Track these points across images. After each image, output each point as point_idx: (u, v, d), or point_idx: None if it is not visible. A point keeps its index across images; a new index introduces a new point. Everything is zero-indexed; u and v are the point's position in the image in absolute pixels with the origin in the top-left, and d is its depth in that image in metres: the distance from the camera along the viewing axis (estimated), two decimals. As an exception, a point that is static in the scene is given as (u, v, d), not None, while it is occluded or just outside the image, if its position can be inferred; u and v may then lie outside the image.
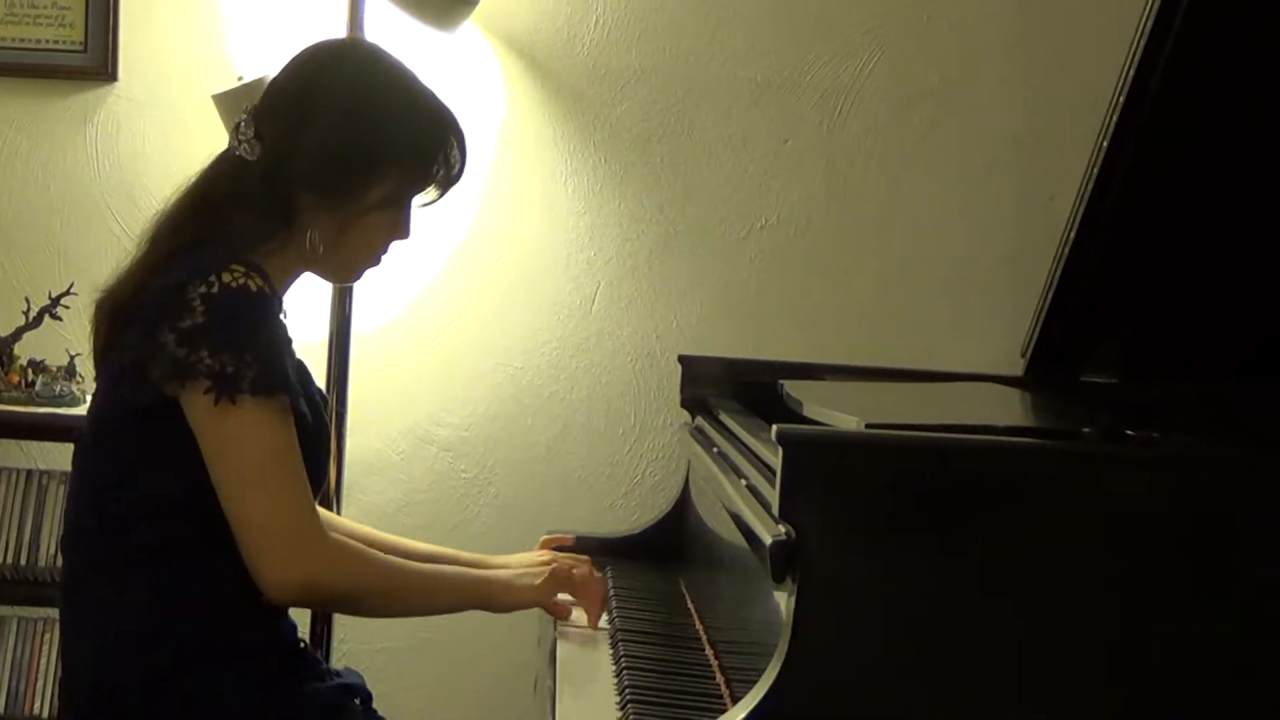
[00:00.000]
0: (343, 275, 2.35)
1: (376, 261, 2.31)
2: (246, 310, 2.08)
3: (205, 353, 2.04)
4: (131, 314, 2.14)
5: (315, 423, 2.21)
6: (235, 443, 2.06)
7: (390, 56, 2.33)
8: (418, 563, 2.32)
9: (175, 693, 2.09)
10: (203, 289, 2.06)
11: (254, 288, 2.08)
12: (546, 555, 2.54)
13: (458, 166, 2.29)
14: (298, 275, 2.28)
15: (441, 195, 2.30)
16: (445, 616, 3.29)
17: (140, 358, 2.08)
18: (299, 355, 2.29)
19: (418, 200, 2.29)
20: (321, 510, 2.57)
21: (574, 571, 2.41)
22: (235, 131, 2.21)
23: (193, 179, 2.24)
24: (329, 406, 3.10)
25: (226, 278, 2.07)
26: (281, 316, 2.15)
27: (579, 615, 2.41)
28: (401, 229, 2.29)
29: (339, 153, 2.18)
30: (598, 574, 2.52)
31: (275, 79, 2.26)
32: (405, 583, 2.24)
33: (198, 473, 2.08)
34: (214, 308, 2.06)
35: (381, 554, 2.25)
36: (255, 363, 2.05)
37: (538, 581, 2.34)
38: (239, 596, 2.11)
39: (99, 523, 2.14)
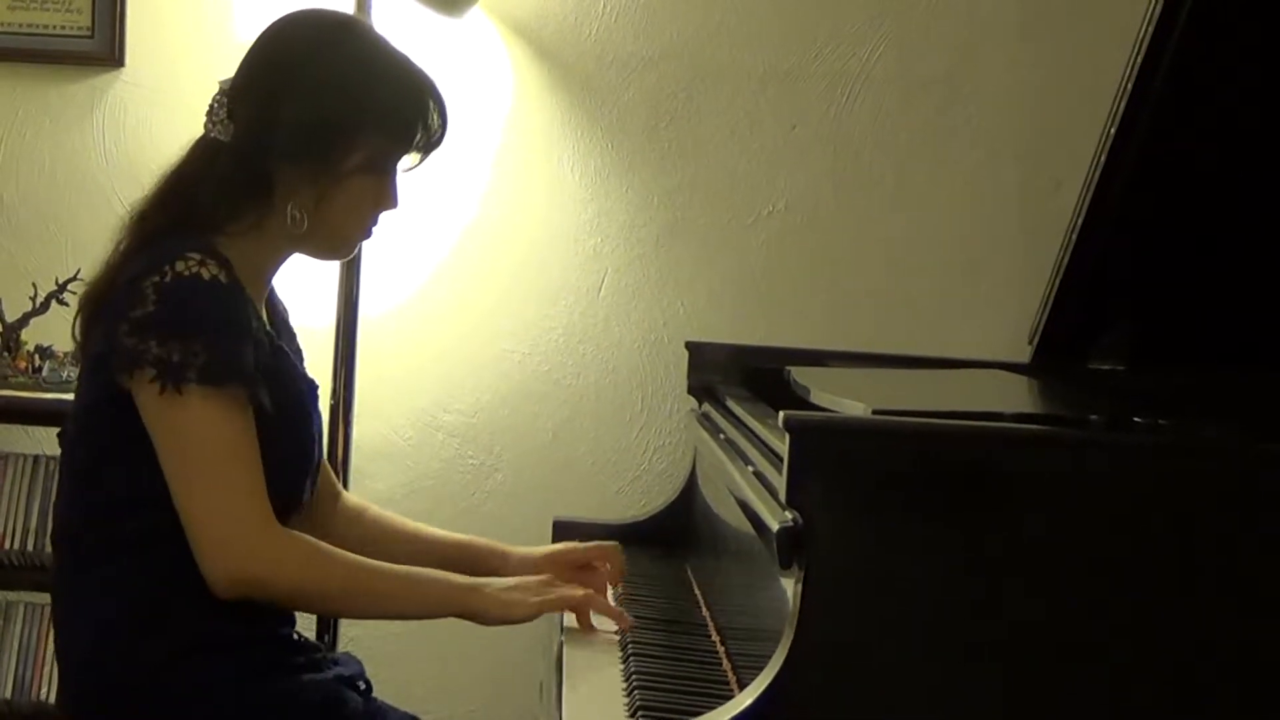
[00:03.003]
0: (333, 249, 2.28)
1: (366, 232, 2.26)
2: (196, 298, 2.05)
3: (153, 342, 2.02)
4: (104, 308, 2.13)
5: (290, 410, 2.17)
6: (181, 433, 2.04)
7: (361, 23, 2.31)
8: (394, 565, 2.22)
9: (166, 688, 2.07)
10: (155, 278, 2.04)
11: (206, 276, 2.05)
12: (560, 548, 2.44)
13: (438, 131, 2.23)
14: (286, 255, 2.24)
15: (423, 160, 2.26)
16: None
17: (102, 351, 2.07)
18: (291, 340, 2.28)
19: (400, 166, 2.24)
20: (348, 495, 2.55)
21: (575, 608, 2.26)
22: (209, 113, 2.19)
23: (170, 167, 2.22)
24: (337, 394, 3.13)
25: (180, 266, 2.05)
26: (241, 302, 2.10)
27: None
28: (388, 197, 2.23)
29: (313, 123, 2.15)
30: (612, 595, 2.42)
31: (245, 56, 2.23)
32: (371, 585, 2.16)
33: None
34: (164, 297, 2.04)
35: (349, 553, 2.16)
36: (203, 351, 2.02)
37: (532, 599, 2.20)
38: None
39: (83, 516, 2.14)
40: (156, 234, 2.14)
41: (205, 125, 2.19)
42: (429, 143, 2.23)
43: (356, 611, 2.31)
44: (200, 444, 2.04)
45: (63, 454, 2.22)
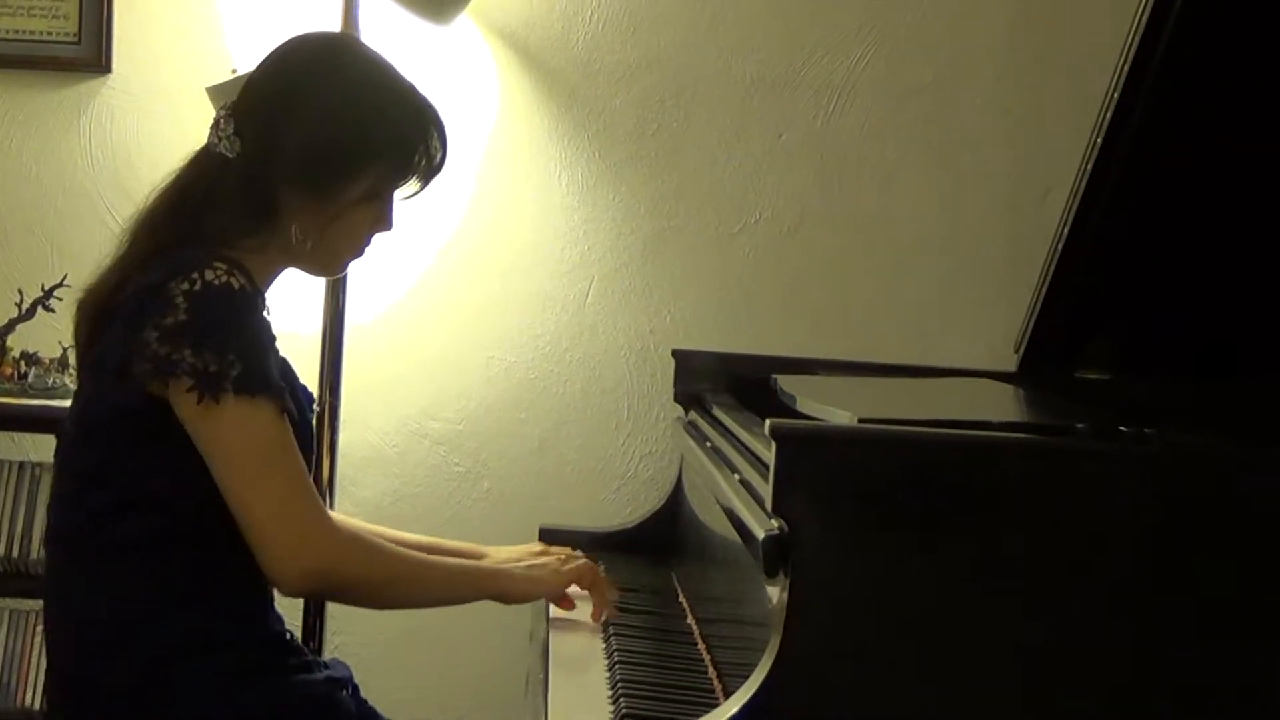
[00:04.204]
0: (327, 269, 2.33)
1: (360, 253, 2.30)
2: (230, 308, 2.06)
3: (188, 351, 2.03)
4: (113, 312, 2.13)
5: (300, 421, 2.20)
6: (227, 441, 2.06)
7: (368, 49, 2.32)
8: (427, 554, 2.32)
9: (159, 688, 2.08)
10: (185, 285, 2.05)
11: (237, 285, 2.07)
12: (538, 547, 2.54)
13: (439, 157, 2.26)
14: (280, 271, 2.26)
15: (424, 187, 2.29)
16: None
17: (124, 355, 2.07)
18: (284, 352, 2.28)
19: (400, 193, 2.27)
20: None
21: (595, 573, 2.38)
22: (214, 129, 2.19)
23: (171, 177, 2.22)
24: (323, 401, 3.13)
25: (209, 275, 2.05)
26: (265, 314, 2.14)
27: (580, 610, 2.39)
28: (385, 221, 2.27)
29: (320, 150, 2.17)
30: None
31: (253, 75, 2.25)
32: (416, 573, 2.24)
33: (183, 468, 2.07)
34: (197, 305, 2.04)
35: (391, 544, 2.25)
36: (239, 362, 2.04)
37: (557, 573, 2.34)
38: (223, 590, 2.11)
39: (82, 518, 2.13)
40: (168, 245, 2.14)
41: (210, 140, 2.19)
42: (430, 170, 2.26)
43: (400, 600, 2.34)
44: (251, 449, 2.06)
45: (62, 454, 2.22)
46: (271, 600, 2.23)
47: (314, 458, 2.35)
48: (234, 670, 2.11)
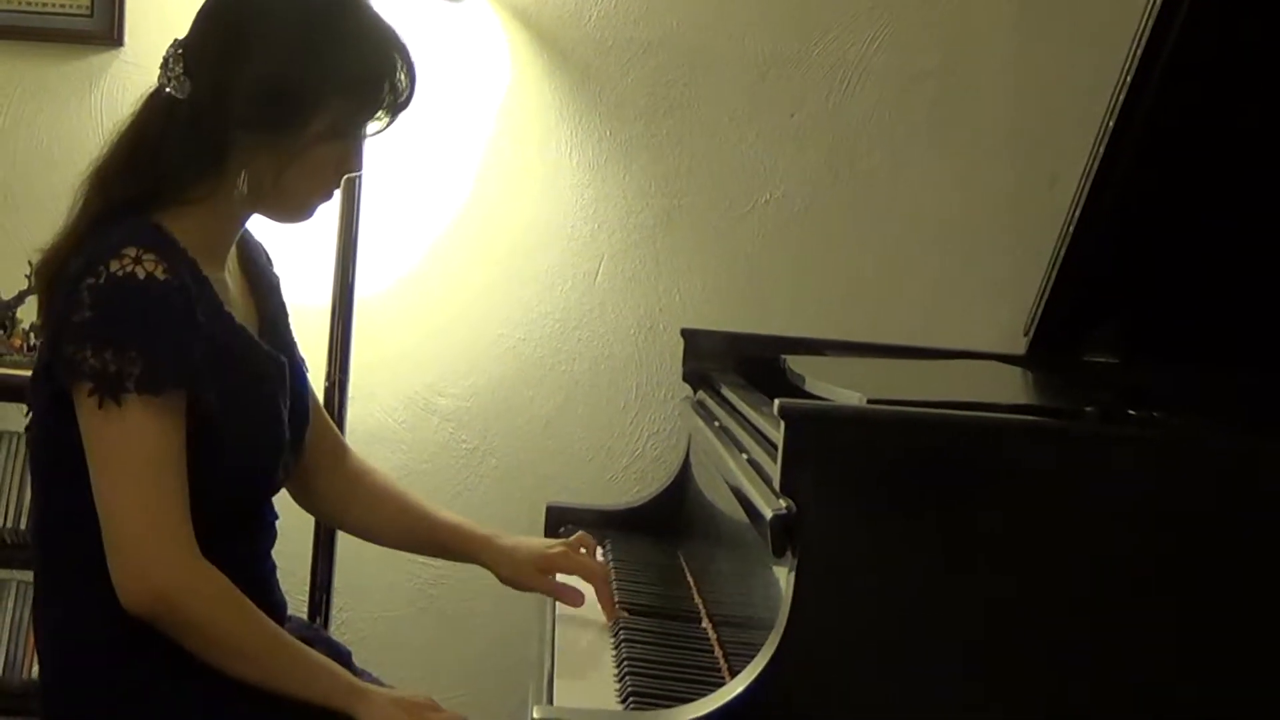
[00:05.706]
0: (291, 215, 2.14)
1: (328, 196, 2.15)
2: (131, 303, 1.94)
3: (89, 351, 1.92)
4: (54, 300, 2.03)
5: (251, 393, 2.07)
6: (116, 443, 1.93)
7: None
8: (295, 641, 2.06)
9: (141, 709, 2.01)
10: (90, 280, 1.94)
11: (141, 274, 1.94)
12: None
13: (406, 91, 2.10)
14: (245, 218, 2.14)
15: (391, 123, 2.13)
16: (447, 581, 3.32)
17: (49, 358, 1.99)
18: (292, 324, 2.23)
19: (366, 130, 2.12)
20: (356, 457, 2.44)
21: None
22: (164, 68, 2.06)
23: (123, 125, 2.10)
24: (332, 376, 3.13)
25: (114, 265, 1.94)
26: (185, 294, 1.98)
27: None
28: (351, 161, 2.12)
29: (275, 85, 2.02)
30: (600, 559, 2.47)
31: (203, 6, 2.10)
32: (269, 651, 2.02)
33: None
34: (99, 302, 1.94)
35: (261, 613, 2.03)
36: (141, 359, 1.92)
37: None
38: None
39: (50, 524, 2.07)
40: (119, 203, 2.04)
41: (160, 80, 2.07)
42: (396, 104, 2.11)
43: (237, 671, 1.99)
44: (135, 454, 1.93)
45: (29, 455, 2.14)
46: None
47: (288, 426, 2.17)
48: (215, 690, 2.00)
